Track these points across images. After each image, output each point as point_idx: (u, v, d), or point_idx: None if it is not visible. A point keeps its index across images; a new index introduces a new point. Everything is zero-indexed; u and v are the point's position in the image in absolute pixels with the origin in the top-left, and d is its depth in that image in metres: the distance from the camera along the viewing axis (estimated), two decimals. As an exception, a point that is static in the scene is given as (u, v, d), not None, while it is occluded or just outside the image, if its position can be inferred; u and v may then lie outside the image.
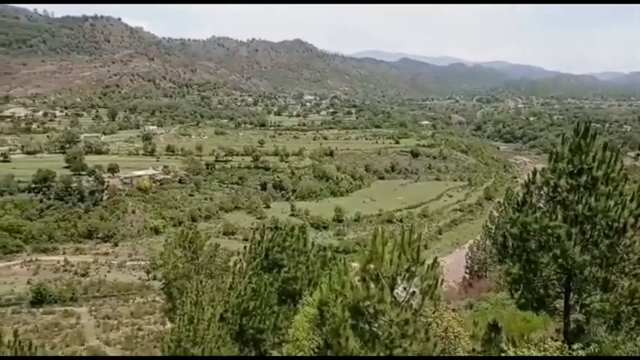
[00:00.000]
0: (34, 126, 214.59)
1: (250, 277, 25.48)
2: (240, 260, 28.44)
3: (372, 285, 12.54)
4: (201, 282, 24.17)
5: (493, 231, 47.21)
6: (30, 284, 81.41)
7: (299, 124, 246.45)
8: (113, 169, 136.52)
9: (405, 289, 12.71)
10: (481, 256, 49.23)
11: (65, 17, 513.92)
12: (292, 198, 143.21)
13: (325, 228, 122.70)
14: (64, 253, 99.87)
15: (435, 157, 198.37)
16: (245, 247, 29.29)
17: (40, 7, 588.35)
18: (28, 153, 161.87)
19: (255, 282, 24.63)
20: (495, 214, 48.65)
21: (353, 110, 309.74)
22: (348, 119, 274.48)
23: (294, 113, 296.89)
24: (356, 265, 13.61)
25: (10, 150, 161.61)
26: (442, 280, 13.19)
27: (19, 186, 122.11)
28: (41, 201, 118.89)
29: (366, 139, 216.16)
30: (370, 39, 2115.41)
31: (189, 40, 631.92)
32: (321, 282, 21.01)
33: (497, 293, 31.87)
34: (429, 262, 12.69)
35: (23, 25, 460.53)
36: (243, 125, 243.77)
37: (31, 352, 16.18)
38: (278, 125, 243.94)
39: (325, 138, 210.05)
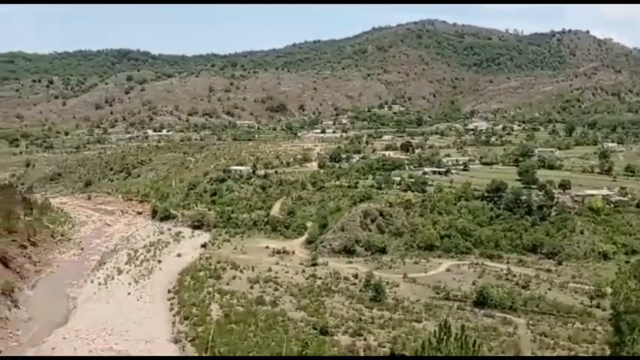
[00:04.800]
0: (492, 139, 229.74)
1: None
2: None
3: None
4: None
5: None
6: (474, 285, 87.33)
7: None
8: (564, 186, 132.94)
9: None
10: None
11: (533, 34, 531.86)
12: None
13: None
14: (507, 262, 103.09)
15: None
16: None
17: (511, 27, 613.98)
18: (485, 164, 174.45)
19: None
20: None
21: None
22: None
23: None
24: None
25: (470, 160, 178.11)
26: None
27: (474, 193, 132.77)
28: (491, 209, 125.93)
29: None
30: None
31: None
32: None
33: None
34: None
35: (494, 45, 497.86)
36: None
37: (473, 350, 16.98)
38: None
39: None
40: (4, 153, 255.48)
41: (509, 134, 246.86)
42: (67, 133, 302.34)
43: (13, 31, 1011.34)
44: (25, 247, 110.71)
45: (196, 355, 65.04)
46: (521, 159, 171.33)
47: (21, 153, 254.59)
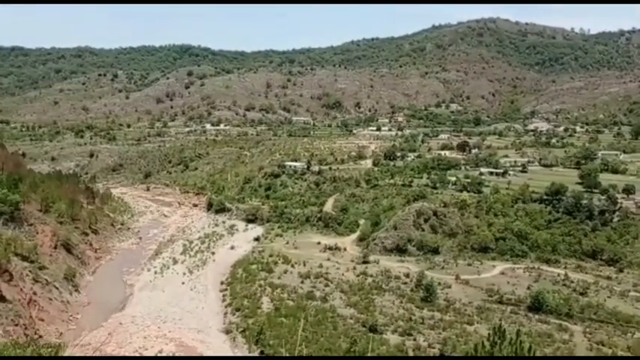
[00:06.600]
0: (553, 140, 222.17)
1: None
2: None
3: None
4: None
5: None
6: (530, 290, 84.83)
7: None
8: (628, 190, 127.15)
9: None
10: None
11: (601, 33, 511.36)
12: None
13: None
14: (565, 268, 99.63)
15: None
16: None
17: (577, 26, 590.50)
18: (544, 166, 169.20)
19: None
20: None
21: None
22: None
23: None
24: None
25: (528, 162, 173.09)
26: None
27: (532, 196, 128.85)
28: (550, 213, 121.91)
29: None
30: None
31: None
32: None
33: None
34: None
35: (558, 44, 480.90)
36: None
37: (530, 353, 16.50)
38: None
39: None
40: (70, 144, 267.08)
41: (571, 136, 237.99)
42: (129, 126, 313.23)
43: (82, 27, 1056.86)
44: (86, 235, 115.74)
45: (246, 346, 66.21)
46: (583, 162, 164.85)
47: (85, 144, 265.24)
